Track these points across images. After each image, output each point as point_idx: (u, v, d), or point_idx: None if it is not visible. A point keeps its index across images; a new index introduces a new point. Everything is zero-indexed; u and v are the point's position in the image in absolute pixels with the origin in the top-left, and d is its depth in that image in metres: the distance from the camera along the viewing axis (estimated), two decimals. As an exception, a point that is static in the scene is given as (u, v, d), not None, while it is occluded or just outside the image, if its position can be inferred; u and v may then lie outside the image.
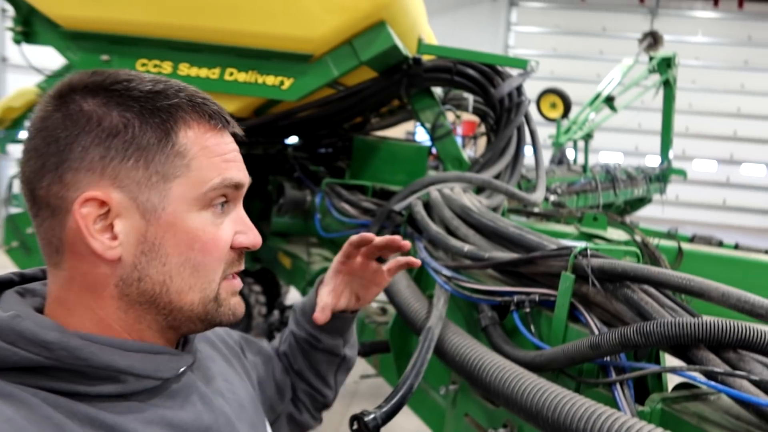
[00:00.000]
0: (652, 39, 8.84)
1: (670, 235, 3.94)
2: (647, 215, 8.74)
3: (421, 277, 1.83)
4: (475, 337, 1.51)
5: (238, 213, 0.80)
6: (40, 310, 0.72)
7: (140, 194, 0.69)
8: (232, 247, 0.78)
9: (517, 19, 18.57)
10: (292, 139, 4.60)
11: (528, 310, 1.36)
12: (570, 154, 8.60)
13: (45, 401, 0.63)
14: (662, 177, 8.51)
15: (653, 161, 9.63)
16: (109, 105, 0.69)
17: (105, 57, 2.51)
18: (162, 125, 0.70)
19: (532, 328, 1.36)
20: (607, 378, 1.14)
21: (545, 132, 9.10)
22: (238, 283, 0.81)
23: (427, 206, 1.96)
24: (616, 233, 3.65)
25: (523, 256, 1.41)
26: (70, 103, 0.68)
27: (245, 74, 2.44)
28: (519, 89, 2.78)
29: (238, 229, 0.79)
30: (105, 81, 0.70)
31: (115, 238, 0.69)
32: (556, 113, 8.46)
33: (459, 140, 3.91)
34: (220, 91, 2.49)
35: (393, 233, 2.15)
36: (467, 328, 1.62)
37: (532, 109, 8.89)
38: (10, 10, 2.60)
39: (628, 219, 6.38)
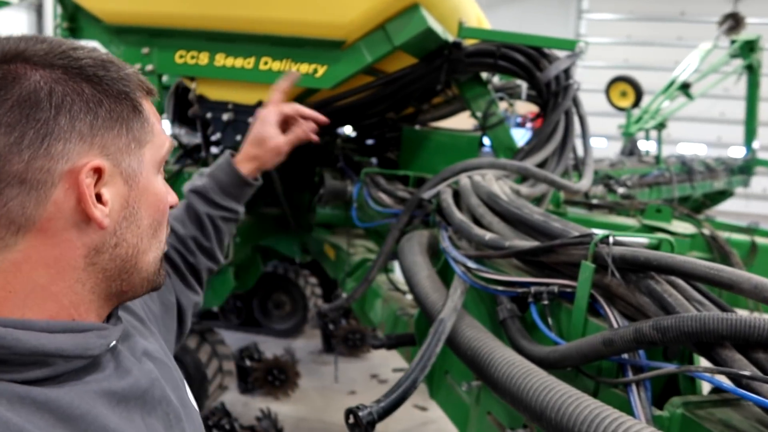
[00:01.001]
0: (734, 21, 8.26)
1: (746, 230, 3.65)
2: (729, 209, 8.21)
3: (447, 269, 1.75)
4: (495, 331, 1.42)
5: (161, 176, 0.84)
6: None
7: (123, 161, 0.72)
8: None
9: (589, 6, 17.88)
10: (344, 131, 4.60)
11: (546, 302, 1.26)
12: (643, 145, 8.19)
13: None
14: (746, 169, 7.96)
15: (737, 153, 9.02)
16: (81, 75, 0.69)
17: (145, 50, 2.55)
18: (132, 94, 0.74)
19: (551, 321, 1.26)
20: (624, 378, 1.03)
21: (615, 122, 8.71)
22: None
23: (457, 194, 1.87)
24: (682, 226, 3.41)
25: (542, 244, 1.31)
26: (31, 71, 0.66)
27: (279, 63, 2.42)
28: (567, 72, 2.62)
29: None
30: (59, 50, 0.69)
31: (104, 205, 0.70)
32: (626, 102, 8.07)
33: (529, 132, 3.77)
34: (256, 80, 2.48)
35: (423, 222, 2.08)
36: (490, 321, 1.53)
37: (601, 99, 8.54)
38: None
39: (706, 213, 6.00)
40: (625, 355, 1.04)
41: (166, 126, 3.60)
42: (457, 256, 1.51)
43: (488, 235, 1.48)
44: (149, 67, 2.56)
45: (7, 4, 2.41)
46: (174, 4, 2.40)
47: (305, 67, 2.40)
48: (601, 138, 15.42)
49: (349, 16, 2.23)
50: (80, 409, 0.65)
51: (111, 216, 0.71)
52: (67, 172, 0.66)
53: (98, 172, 0.69)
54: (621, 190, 5.01)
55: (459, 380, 1.65)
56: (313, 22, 2.28)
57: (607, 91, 8.52)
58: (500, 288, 1.36)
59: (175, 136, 3.27)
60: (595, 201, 4.09)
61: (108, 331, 0.73)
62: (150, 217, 0.76)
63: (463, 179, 1.89)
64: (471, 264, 1.48)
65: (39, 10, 7.60)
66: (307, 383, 4.46)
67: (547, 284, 1.27)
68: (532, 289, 1.27)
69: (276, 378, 4.18)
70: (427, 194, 1.95)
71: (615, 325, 1.10)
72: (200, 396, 3.64)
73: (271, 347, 4.93)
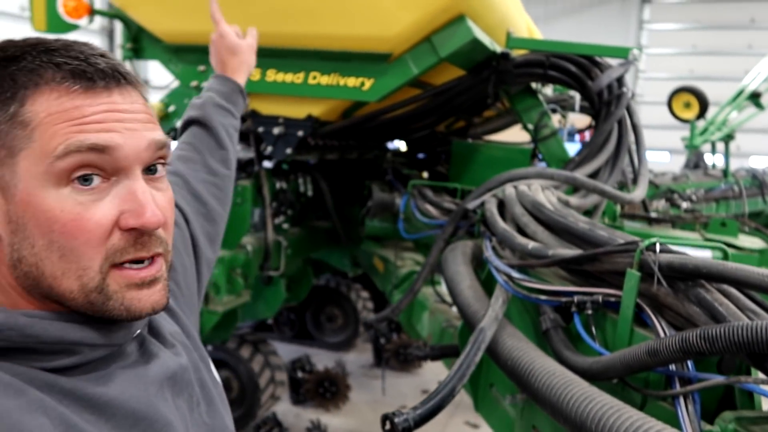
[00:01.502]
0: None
1: (822, 245, 3.44)
2: (805, 225, 7.74)
3: (491, 279, 1.72)
4: (539, 342, 1.38)
5: (129, 188, 0.67)
6: None
7: None
8: (120, 229, 0.66)
9: (650, 17, 17.40)
10: (397, 145, 4.63)
11: (590, 312, 1.22)
12: (709, 158, 7.87)
13: (0, 369, 0.61)
14: (824, 182, 7.50)
15: (818, 166, 8.52)
16: None
17: (202, 67, 2.65)
18: (10, 92, 0.63)
19: (595, 332, 1.22)
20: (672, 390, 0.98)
21: (679, 135, 8.41)
22: (137, 273, 0.68)
23: (501, 204, 1.84)
24: (749, 241, 3.24)
25: (585, 253, 1.27)
26: None
27: (328, 77, 2.47)
28: (620, 80, 2.55)
29: (126, 207, 0.66)
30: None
31: None
32: (690, 113, 7.78)
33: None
34: (306, 94, 2.54)
35: (468, 233, 2.06)
36: (534, 332, 1.49)
37: (665, 111, 8.23)
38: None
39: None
40: (673, 367, 0.99)
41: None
42: (500, 265, 1.49)
43: (531, 244, 1.45)
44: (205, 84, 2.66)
45: (76, 27, 2.55)
46: (228, 22, 2.48)
47: (353, 81, 2.43)
48: (664, 152, 14.90)
49: (395, 29, 2.25)
50: (107, 395, 0.65)
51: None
52: None
53: None
54: (685, 204, 4.81)
55: (503, 393, 1.62)
56: (359, 36, 2.31)
57: (670, 102, 8.24)
58: (543, 297, 1.32)
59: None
60: (654, 215, 3.94)
61: (131, 322, 0.72)
62: (44, 237, 0.64)
63: (508, 189, 1.86)
64: (514, 273, 1.45)
65: (111, 35, 8.01)
66: (358, 396, 4.45)
67: (591, 293, 1.23)
68: (576, 298, 1.23)
69: (327, 390, 4.19)
70: (471, 204, 1.93)
71: (662, 335, 1.05)
72: (252, 405, 3.69)
73: (323, 360, 4.96)
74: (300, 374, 4.30)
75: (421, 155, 4.13)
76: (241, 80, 1.47)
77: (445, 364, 2.15)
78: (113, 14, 2.73)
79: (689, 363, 0.98)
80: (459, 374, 1.21)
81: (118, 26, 7.69)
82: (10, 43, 0.66)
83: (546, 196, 1.78)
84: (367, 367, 5.06)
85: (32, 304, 0.68)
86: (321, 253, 4.15)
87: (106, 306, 0.66)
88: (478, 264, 1.83)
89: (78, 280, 0.65)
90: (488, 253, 1.59)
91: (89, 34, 7.59)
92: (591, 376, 1.12)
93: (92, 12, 2.60)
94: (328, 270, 5.06)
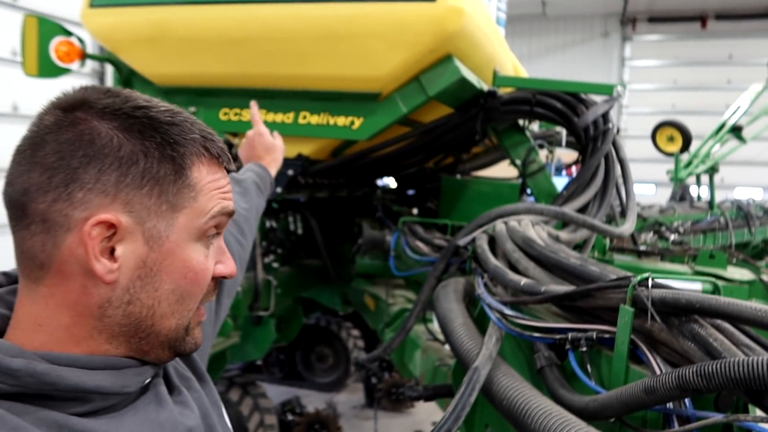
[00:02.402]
0: (785, 62, 8.07)
1: (812, 276, 3.46)
2: (799, 256, 7.81)
3: (484, 317, 1.71)
4: (534, 380, 1.36)
5: (219, 242, 0.80)
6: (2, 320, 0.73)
7: (148, 221, 0.70)
8: (212, 277, 0.79)
9: (632, 54, 17.83)
10: (386, 182, 4.65)
11: (585, 349, 1.21)
12: (694, 190, 7.96)
13: (10, 410, 0.61)
14: (810, 211, 7.60)
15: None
16: (130, 131, 0.69)
17: (192, 109, 2.67)
18: (180, 159, 0.72)
19: (590, 369, 1.20)
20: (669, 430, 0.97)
21: (664, 167, 8.52)
22: (203, 312, 0.80)
23: (492, 240, 1.85)
24: (739, 272, 3.25)
25: (578, 289, 1.26)
26: (87, 121, 0.68)
27: (317, 116, 2.49)
28: (605, 116, 2.60)
29: (218, 258, 0.80)
30: (125, 105, 0.70)
31: (115, 261, 0.69)
32: (674, 147, 7.90)
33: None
34: (295, 134, 2.55)
35: (460, 270, 2.05)
36: (529, 370, 1.47)
37: (648, 145, 8.36)
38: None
39: (768, 260, 5.70)
40: (671, 405, 0.98)
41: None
42: (492, 302, 1.48)
43: (524, 281, 1.45)
44: (194, 125, 2.67)
45: (68, 71, 2.57)
46: (217, 64, 2.52)
47: (342, 120, 2.46)
48: (650, 184, 15.08)
49: (385, 69, 2.28)
50: None
51: (123, 272, 0.69)
52: (82, 221, 0.67)
53: (112, 227, 0.68)
54: (673, 236, 4.83)
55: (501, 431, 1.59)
56: (349, 77, 2.34)
57: (654, 136, 8.37)
58: (537, 335, 1.31)
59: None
60: (643, 248, 3.96)
61: (143, 368, 0.74)
62: (173, 283, 0.73)
63: (499, 225, 1.86)
64: (507, 310, 1.44)
65: (101, 77, 8.07)
66: (351, 439, 4.37)
67: (585, 330, 1.22)
68: (570, 335, 1.22)
69: (318, 433, 4.11)
70: (462, 241, 1.93)
71: (658, 372, 1.04)
72: (242, 450, 3.60)
73: (313, 401, 4.87)
74: (290, 417, 4.22)
75: (410, 192, 4.15)
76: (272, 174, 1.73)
77: (438, 404, 2.11)
78: (105, 58, 2.76)
79: (687, 401, 0.96)
80: (454, 416, 1.19)
81: (110, 69, 7.73)
82: (155, 106, 0.73)
83: (536, 231, 1.78)
84: (359, 408, 4.98)
85: (85, 342, 0.71)
86: (311, 291, 4.11)
87: (185, 340, 0.77)
88: (471, 301, 1.82)
89: (180, 319, 0.75)
90: (480, 290, 1.58)
91: (81, 76, 7.65)
92: (588, 415, 1.10)
93: (84, 56, 2.63)
94: (318, 309, 5.01)
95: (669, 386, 0.93)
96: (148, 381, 0.76)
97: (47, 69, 2.53)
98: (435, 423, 2.16)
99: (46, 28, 2.53)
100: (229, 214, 0.78)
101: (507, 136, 3.13)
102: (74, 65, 2.60)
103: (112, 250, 0.68)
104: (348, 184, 3.60)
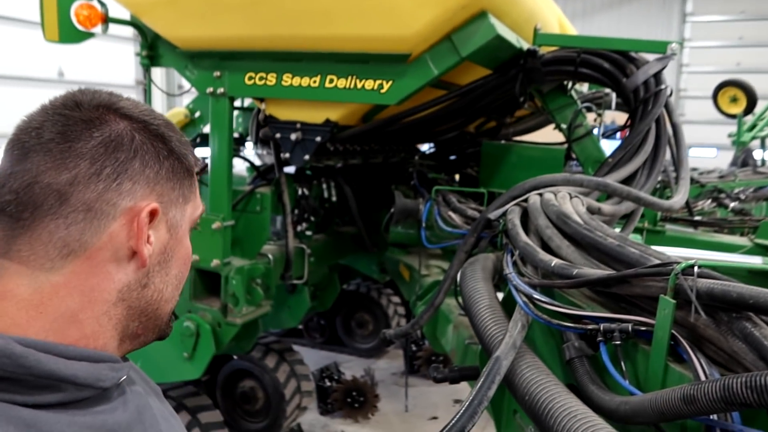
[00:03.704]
0: None
1: None
2: None
3: (512, 298, 1.58)
4: (564, 370, 1.25)
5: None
6: None
7: (170, 211, 0.78)
8: None
9: (694, 9, 16.78)
10: (428, 147, 4.49)
11: (618, 342, 1.08)
12: (758, 155, 7.51)
13: None
14: None
15: None
16: (153, 134, 0.76)
17: (217, 73, 2.58)
18: (186, 159, 0.81)
19: (624, 365, 1.07)
20: (712, 443, 0.84)
21: (725, 130, 8.02)
22: None
23: (526, 214, 1.71)
24: (804, 245, 3.00)
25: (614, 274, 1.13)
26: (116, 120, 0.74)
27: (345, 80, 2.36)
28: (657, 77, 2.37)
29: None
30: (137, 110, 0.77)
31: (150, 245, 0.76)
32: (737, 108, 7.44)
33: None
34: (322, 98, 2.44)
35: (491, 244, 1.92)
36: (560, 358, 1.35)
37: (710, 106, 7.93)
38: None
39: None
40: (715, 416, 0.85)
41: (249, 148, 3.66)
42: (520, 284, 1.35)
43: (555, 261, 1.31)
44: (220, 90, 2.59)
45: (90, 35, 2.51)
46: (242, 27, 2.41)
47: (370, 84, 2.32)
48: (711, 148, 14.32)
49: (414, 28, 2.13)
50: None
51: (151, 257, 0.76)
52: (128, 209, 0.72)
53: (153, 214, 0.75)
54: (732, 204, 4.54)
55: (527, 423, 1.48)
56: (376, 37, 2.20)
57: (715, 96, 7.86)
58: (566, 323, 1.18)
59: (246, 158, 3.30)
60: (699, 218, 3.71)
61: (120, 365, 0.75)
62: (177, 269, 0.81)
63: (533, 197, 1.72)
64: (535, 294, 1.31)
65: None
66: (388, 406, 4.34)
67: (620, 321, 1.09)
68: (602, 326, 1.09)
69: (355, 400, 4.10)
70: (494, 214, 1.80)
71: (702, 374, 0.90)
72: (278, 416, 3.62)
73: (352, 367, 4.87)
74: (328, 383, 4.22)
75: (451, 157, 4.00)
76: None
77: (469, 384, 2.02)
78: (128, 22, 2.68)
79: (734, 414, 0.83)
80: (469, 412, 1.09)
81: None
82: (167, 120, 0.80)
83: (573, 205, 1.63)
84: (398, 375, 4.95)
85: (90, 329, 0.73)
86: (348, 259, 4.05)
87: (169, 326, 0.84)
88: (500, 279, 1.70)
89: (173, 303, 0.83)
90: (508, 270, 1.45)
91: (118, 40, 7.69)
92: (618, 419, 0.98)
93: (106, 20, 2.56)
94: (358, 275, 4.97)
95: (712, 397, 0.80)
96: (122, 379, 0.76)
97: (69, 35, 2.47)
98: (457, 401, 2.06)
99: (68, -9, 2.47)
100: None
101: (552, 98, 2.94)
102: (97, 30, 2.54)
103: (147, 237, 0.75)
104: (382, 150, 3.47)
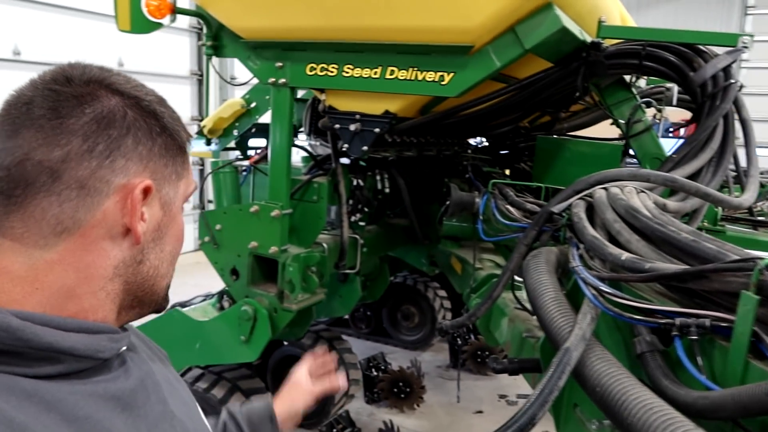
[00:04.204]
0: None
1: None
2: None
3: (577, 291, 1.58)
4: (632, 366, 1.24)
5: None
6: None
7: (164, 188, 0.79)
8: None
9: (756, 1, 16.11)
10: (479, 141, 4.47)
11: (695, 337, 1.07)
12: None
13: None
14: None
15: None
16: (145, 110, 0.77)
17: (279, 64, 2.63)
18: (178, 136, 0.81)
19: (700, 361, 1.06)
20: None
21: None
22: None
23: (591, 208, 1.69)
24: None
25: (692, 269, 1.11)
26: (107, 96, 0.74)
27: (405, 72, 2.37)
28: (726, 71, 2.31)
29: None
30: (129, 86, 0.78)
31: (144, 222, 0.77)
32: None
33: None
34: (382, 90, 2.46)
35: (553, 238, 1.91)
36: (627, 354, 1.35)
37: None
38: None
39: None
40: (800, 412, 0.84)
41: (302, 138, 3.72)
42: (588, 277, 1.35)
43: (625, 255, 1.30)
44: (282, 81, 2.64)
45: (159, 26, 2.60)
46: (305, 17, 2.45)
47: (431, 75, 2.33)
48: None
49: (477, 19, 2.12)
50: (85, 410, 0.67)
51: (145, 234, 0.77)
52: (122, 186, 0.73)
53: (146, 191, 0.75)
54: (801, 203, 4.36)
55: (590, 416, 1.48)
56: (439, 29, 2.20)
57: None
58: (638, 317, 1.17)
59: (304, 148, 3.35)
60: (762, 218, 3.59)
61: (119, 335, 0.76)
62: (171, 245, 0.83)
63: (598, 191, 1.71)
64: (604, 287, 1.31)
65: (199, 34, 8.28)
66: (433, 398, 4.37)
67: (697, 316, 1.07)
68: (678, 320, 1.08)
69: (401, 390, 4.13)
70: (557, 207, 1.79)
71: (786, 372, 0.89)
72: (326, 403, 3.69)
73: (397, 358, 4.91)
74: (375, 372, 4.26)
75: (503, 152, 3.97)
76: (278, 408, 1.38)
77: (525, 378, 2.02)
78: (195, 13, 2.76)
79: (823, 410, 0.82)
80: (540, 400, 1.10)
81: (206, 25, 7.80)
82: (158, 95, 0.82)
83: (641, 200, 1.61)
84: (443, 368, 4.96)
85: (87, 303, 0.74)
86: (398, 251, 4.08)
87: (166, 300, 0.86)
88: (563, 273, 1.69)
89: (169, 278, 0.85)
90: (575, 263, 1.45)
91: (179, 33, 7.88)
92: (695, 413, 0.98)
93: (174, 11, 2.64)
94: (405, 267, 4.99)
95: (802, 393, 0.79)
96: (123, 349, 0.78)
97: (140, 25, 2.56)
98: (520, 395, 2.07)
99: (139, -17, 2.56)
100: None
101: (610, 93, 2.88)
102: (165, 20, 2.62)
103: (141, 214, 0.75)
104: (437, 142, 3.48)
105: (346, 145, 2.65)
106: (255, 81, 3.40)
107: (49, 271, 0.70)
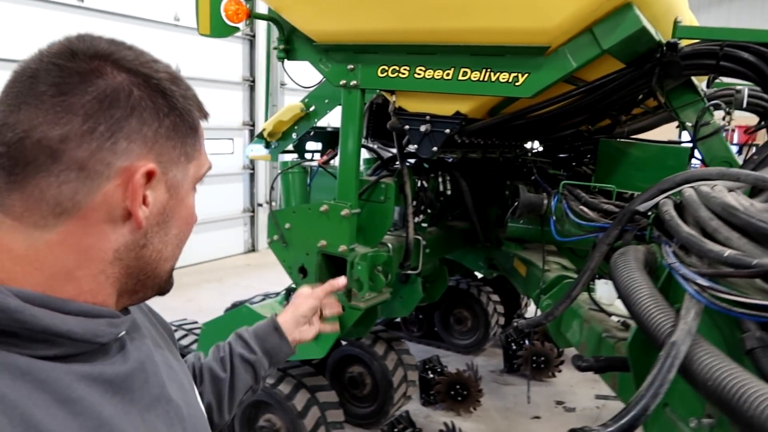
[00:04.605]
0: None
1: None
2: None
3: (668, 289, 1.57)
4: (736, 361, 1.23)
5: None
6: None
7: (170, 170, 0.76)
8: None
9: (815, 2, 15.59)
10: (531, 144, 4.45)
11: (811, 332, 1.06)
12: None
13: None
14: None
15: None
16: (153, 89, 0.73)
17: (350, 66, 2.69)
18: (189, 115, 0.78)
19: (820, 356, 1.05)
20: None
21: None
22: None
23: (679, 207, 1.68)
24: None
25: (806, 263, 1.10)
26: (113, 73, 0.70)
27: (478, 73, 2.40)
28: (812, 70, 2.26)
29: None
30: (138, 61, 0.74)
31: (147, 206, 0.74)
32: None
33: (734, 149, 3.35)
34: (454, 91, 2.48)
35: (636, 238, 1.90)
36: (726, 350, 1.33)
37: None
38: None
39: None
40: None
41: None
42: (688, 273, 1.34)
43: (728, 252, 1.30)
44: (353, 83, 2.70)
45: (236, 30, 2.69)
46: (379, 20, 2.50)
47: (505, 76, 2.35)
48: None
49: (556, 20, 2.13)
50: (78, 392, 0.66)
51: (148, 218, 0.74)
52: (123, 170, 0.70)
53: (150, 175, 0.72)
54: None
55: (684, 415, 1.46)
56: (515, 30, 2.22)
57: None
58: (749, 312, 1.17)
59: (371, 148, 3.40)
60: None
61: (119, 320, 0.75)
62: (178, 228, 0.80)
63: (687, 190, 1.69)
64: (704, 282, 1.30)
65: (252, 42, 8.47)
66: (489, 402, 4.35)
67: (815, 311, 1.06)
68: (793, 315, 1.08)
69: (458, 393, 4.13)
70: (643, 206, 1.78)
71: None
72: (385, 402, 3.72)
73: (451, 362, 4.90)
74: (430, 375, 4.28)
75: (563, 155, 3.95)
76: (283, 318, 1.43)
77: (604, 378, 2.01)
78: (268, 17, 2.84)
79: None
80: (652, 392, 1.10)
81: (260, 35, 8.01)
82: (172, 72, 0.78)
83: (735, 198, 1.59)
84: (497, 373, 4.93)
85: (87, 285, 0.72)
86: (455, 253, 4.09)
87: (170, 282, 0.84)
88: (650, 271, 1.68)
89: (173, 261, 0.82)
90: (671, 260, 1.45)
91: (232, 41, 8.08)
92: (820, 406, 0.97)
93: (250, 16, 2.73)
94: (458, 271, 4.99)
95: None
96: (122, 334, 0.77)
97: (218, 29, 2.65)
98: (599, 396, 2.05)
99: (219, -12, 2.65)
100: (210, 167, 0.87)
101: (677, 95, 2.83)
102: (241, 24, 2.70)
103: (144, 198, 0.73)
104: (501, 145, 3.48)
105: (415, 146, 2.68)
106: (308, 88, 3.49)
107: (48, 251, 0.69)
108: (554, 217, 2.45)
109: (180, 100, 0.76)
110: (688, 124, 2.86)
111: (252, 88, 8.68)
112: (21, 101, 0.67)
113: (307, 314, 1.47)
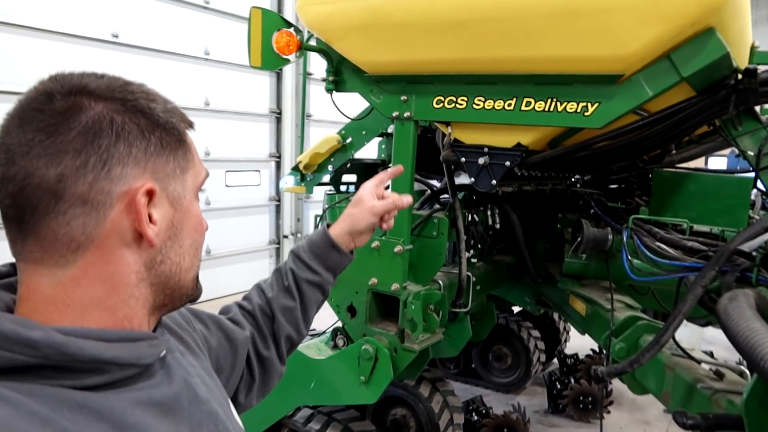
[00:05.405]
0: None
1: None
2: None
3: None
4: None
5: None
6: (10, 310, 0.73)
7: (169, 185, 0.78)
8: None
9: None
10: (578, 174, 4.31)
11: None
12: None
13: (30, 394, 0.63)
14: None
15: None
16: (132, 111, 0.75)
17: (404, 97, 2.59)
18: (174, 128, 0.80)
19: None
20: None
21: None
22: None
23: (790, 246, 1.53)
24: None
25: None
26: (91, 105, 0.72)
27: (543, 103, 2.28)
28: None
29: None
30: (114, 86, 0.75)
31: (155, 224, 0.76)
32: None
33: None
34: (516, 122, 2.37)
35: (738, 280, 1.75)
36: None
37: None
38: (314, 73, 2.87)
39: None
40: None
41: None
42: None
43: None
44: (407, 114, 2.59)
45: (287, 62, 2.61)
46: (434, 50, 2.40)
47: (573, 106, 2.23)
48: None
49: (632, 47, 2.01)
50: (133, 418, 0.70)
51: (159, 235, 0.77)
52: (124, 194, 0.72)
53: (150, 194, 0.75)
54: None
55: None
56: (587, 57, 2.10)
57: None
58: None
59: (423, 181, 3.28)
60: None
61: (158, 340, 0.78)
62: (190, 238, 0.83)
63: (800, 228, 1.54)
64: None
65: (279, 74, 8.49)
66: (535, 445, 4.13)
67: None
68: None
69: (505, 436, 3.92)
70: (748, 245, 1.63)
71: None
72: (430, 443, 3.53)
73: (491, 401, 4.70)
74: (475, 416, 4.08)
75: (613, 186, 3.80)
76: (336, 231, 1.45)
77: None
78: (318, 48, 2.76)
79: None
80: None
81: (286, 66, 8.01)
82: (147, 90, 0.79)
83: None
84: (541, 413, 4.71)
85: (121, 312, 0.76)
86: (499, 289, 3.93)
87: (197, 289, 0.87)
88: (764, 317, 1.52)
89: (195, 269, 0.85)
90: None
91: (260, 74, 8.10)
92: None
93: (301, 47, 2.65)
94: (498, 306, 4.82)
95: None
96: (163, 353, 0.80)
97: (269, 61, 2.58)
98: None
99: (269, 19, 2.58)
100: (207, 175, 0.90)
101: (736, 123, 2.71)
102: (291, 56, 2.63)
103: (149, 216, 0.75)
104: (555, 176, 3.35)
105: (472, 179, 2.56)
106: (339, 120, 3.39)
107: (75, 286, 0.72)
108: (627, 255, 2.29)
109: (161, 116, 0.77)
110: (750, 153, 2.71)
111: (278, 120, 8.66)
112: (13, 154, 0.69)
113: (364, 231, 1.48)
